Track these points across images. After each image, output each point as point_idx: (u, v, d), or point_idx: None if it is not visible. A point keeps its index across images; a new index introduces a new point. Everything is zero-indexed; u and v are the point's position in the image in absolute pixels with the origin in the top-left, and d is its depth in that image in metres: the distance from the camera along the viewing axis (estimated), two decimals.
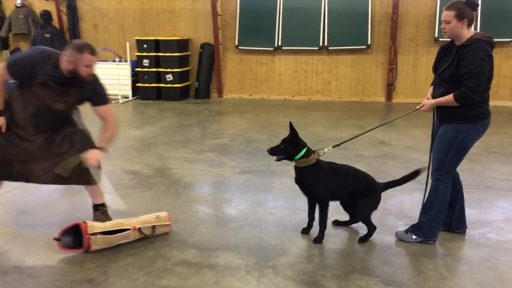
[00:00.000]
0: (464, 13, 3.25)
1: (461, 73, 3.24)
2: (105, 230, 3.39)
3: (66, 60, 3.40)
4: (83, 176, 3.67)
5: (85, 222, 3.37)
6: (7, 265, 3.27)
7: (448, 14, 3.29)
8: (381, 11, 9.72)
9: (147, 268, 3.21)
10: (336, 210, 3.94)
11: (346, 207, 3.82)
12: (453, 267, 3.26)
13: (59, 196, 4.60)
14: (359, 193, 3.64)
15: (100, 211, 3.85)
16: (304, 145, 3.54)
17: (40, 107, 3.50)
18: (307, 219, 3.79)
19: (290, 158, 3.54)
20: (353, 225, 3.89)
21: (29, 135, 3.58)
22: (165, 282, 3.04)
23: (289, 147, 3.51)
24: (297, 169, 3.59)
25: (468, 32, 3.30)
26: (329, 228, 3.83)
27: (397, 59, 9.76)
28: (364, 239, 3.64)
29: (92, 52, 3.42)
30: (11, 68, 3.44)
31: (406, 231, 3.66)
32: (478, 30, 8.74)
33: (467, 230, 3.75)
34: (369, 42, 9.73)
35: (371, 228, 3.66)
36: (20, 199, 4.47)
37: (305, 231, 3.74)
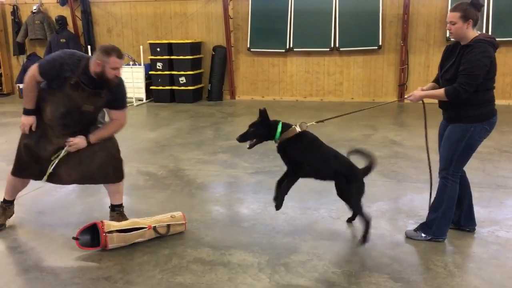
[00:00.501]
0: (469, 14, 3.31)
1: (459, 70, 3.30)
2: (121, 228, 3.50)
3: (94, 62, 3.52)
4: (108, 175, 3.82)
5: (102, 221, 3.49)
6: (28, 263, 3.40)
7: (454, 15, 3.34)
8: (392, 12, 9.75)
9: (162, 266, 3.32)
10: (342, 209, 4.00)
11: (339, 193, 3.75)
12: (462, 264, 3.31)
13: (76, 197, 4.74)
14: (343, 176, 3.60)
15: (117, 211, 3.97)
16: (277, 122, 3.55)
17: (70, 107, 3.61)
18: (319, 216, 3.87)
19: (268, 138, 3.55)
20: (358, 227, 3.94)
21: (56, 136, 3.69)
22: (180, 279, 3.14)
23: (260, 128, 3.52)
24: (280, 143, 3.56)
25: (473, 33, 3.36)
26: (339, 227, 3.91)
27: (408, 59, 9.78)
28: (364, 239, 3.56)
29: (119, 55, 3.53)
30: (43, 67, 3.54)
31: (416, 230, 3.71)
32: (490, 29, 8.75)
33: (476, 228, 3.79)
34: (380, 43, 9.76)
35: (366, 219, 3.57)
36: (39, 200, 4.61)
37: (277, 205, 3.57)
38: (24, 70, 11.57)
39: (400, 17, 9.67)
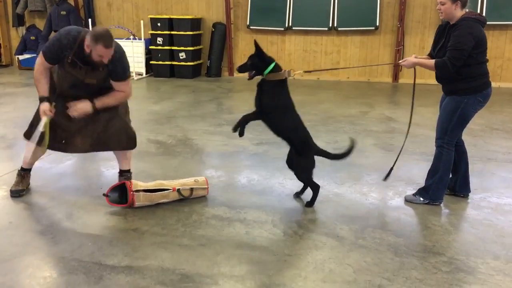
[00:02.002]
0: None
1: (447, 46, 3.60)
2: (147, 188, 3.76)
3: (86, 44, 3.60)
4: (121, 142, 4.02)
5: (130, 181, 3.75)
6: (59, 216, 3.67)
7: None
8: None
9: (184, 221, 3.60)
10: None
11: (290, 165, 4.03)
12: (457, 224, 3.64)
13: (92, 162, 4.97)
14: (295, 147, 3.85)
15: (125, 176, 4.19)
16: (271, 59, 3.72)
17: (74, 82, 3.75)
18: (324, 182, 4.19)
19: (261, 72, 3.73)
20: (367, 183, 4.27)
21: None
22: (202, 232, 3.43)
23: (256, 62, 3.70)
24: (264, 81, 3.74)
25: (460, 13, 3.65)
26: (344, 192, 4.22)
27: (404, 40, 10.04)
28: (311, 203, 3.89)
29: (107, 45, 3.52)
30: (46, 55, 3.70)
31: (414, 194, 4.03)
32: (484, 13, 9.04)
33: (470, 194, 4.12)
34: (377, 24, 10.00)
35: (315, 188, 3.90)
36: (56, 165, 4.84)
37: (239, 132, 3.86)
38: (23, 41, 11.65)
39: None
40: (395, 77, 10.25)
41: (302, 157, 3.86)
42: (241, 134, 3.83)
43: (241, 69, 3.81)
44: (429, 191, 3.95)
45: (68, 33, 3.68)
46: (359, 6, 10.07)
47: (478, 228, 3.55)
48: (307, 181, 3.94)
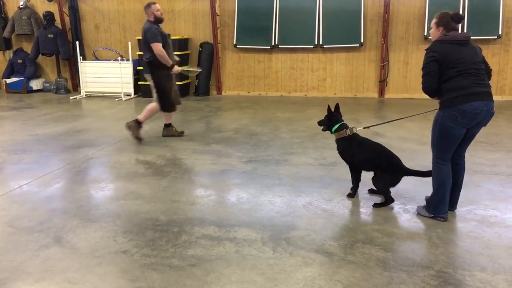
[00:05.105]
0: (441, 22, 3.86)
1: None
2: None
3: (155, 12, 6.53)
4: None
5: None
6: (47, 240, 3.65)
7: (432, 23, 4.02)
8: (373, 11, 10.17)
9: (173, 241, 3.60)
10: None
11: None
12: (444, 237, 3.68)
13: (76, 185, 4.97)
14: (381, 168, 4.25)
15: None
16: (338, 121, 4.46)
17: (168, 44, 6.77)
18: (313, 198, 4.21)
19: (330, 129, 4.50)
20: (356, 198, 4.32)
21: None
22: (192, 252, 3.43)
23: (326, 121, 4.53)
24: (336, 141, 4.52)
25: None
26: (332, 208, 4.26)
27: (388, 56, 10.22)
28: (378, 205, 4.26)
29: (155, 1, 6.62)
30: (159, 39, 6.47)
31: (423, 207, 4.08)
32: (465, 28, 9.25)
33: (457, 207, 4.16)
34: (362, 40, 10.18)
35: (388, 199, 4.25)
36: (41, 191, 4.83)
37: (350, 195, 4.52)
38: (11, 65, 11.66)
39: (381, 16, 10.10)
40: (381, 92, 10.39)
41: (386, 173, 4.25)
42: (352, 195, 4.52)
43: (319, 123, 4.65)
44: (430, 206, 4.00)
45: (150, 23, 6.50)
46: (344, 24, 10.26)
47: (464, 241, 3.60)
48: (383, 192, 4.31)
